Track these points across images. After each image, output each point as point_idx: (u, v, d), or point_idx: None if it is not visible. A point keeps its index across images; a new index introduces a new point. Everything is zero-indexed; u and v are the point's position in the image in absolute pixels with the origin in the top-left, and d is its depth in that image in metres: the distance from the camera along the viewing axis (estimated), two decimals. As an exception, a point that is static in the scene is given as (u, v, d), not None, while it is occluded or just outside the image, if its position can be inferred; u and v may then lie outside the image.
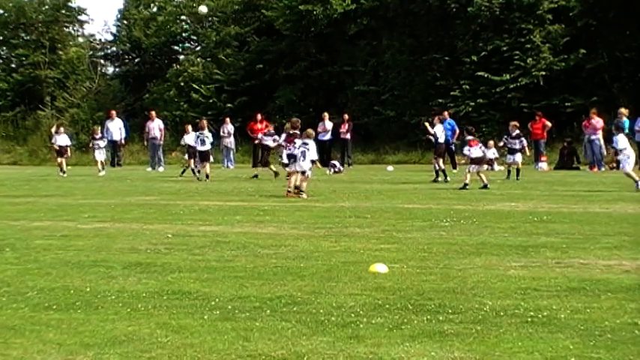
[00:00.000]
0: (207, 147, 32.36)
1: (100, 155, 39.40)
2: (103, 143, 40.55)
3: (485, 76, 46.98)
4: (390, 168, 39.48)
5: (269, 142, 32.76)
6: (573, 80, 45.97)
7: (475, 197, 22.13)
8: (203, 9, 22.43)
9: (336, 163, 38.67)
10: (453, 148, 37.36)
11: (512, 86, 46.47)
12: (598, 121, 38.43)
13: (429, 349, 6.68)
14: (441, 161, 29.62)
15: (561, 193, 23.52)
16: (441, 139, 30.32)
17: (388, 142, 48.66)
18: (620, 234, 13.90)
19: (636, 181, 23.75)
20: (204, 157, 32.47)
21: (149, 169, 43.11)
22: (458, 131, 37.17)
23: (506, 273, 10.15)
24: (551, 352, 6.56)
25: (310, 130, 23.92)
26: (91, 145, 41.90)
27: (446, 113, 36.87)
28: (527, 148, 31.84)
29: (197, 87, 56.13)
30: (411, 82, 50.18)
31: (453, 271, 10.34)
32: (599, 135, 38.20)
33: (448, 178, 28.75)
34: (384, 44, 51.75)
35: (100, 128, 43.60)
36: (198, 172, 32.88)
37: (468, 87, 47.50)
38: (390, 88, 50.97)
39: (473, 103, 47.31)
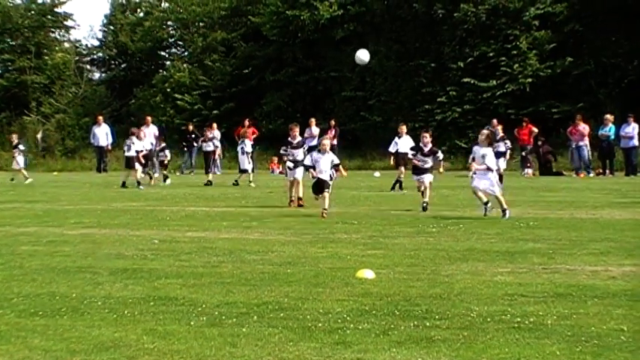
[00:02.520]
0: (132, 153, 31.87)
1: (21, 162, 38.43)
2: (22, 147, 39.62)
3: (472, 82, 47.08)
4: (377, 174, 39.50)
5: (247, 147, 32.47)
6: (560, 86, 46.12)
7: (462, 203, 22.14)
8: (363, 57, 21.54)
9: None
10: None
11: (498, 92, 46.57)
12: (584, 127, 38.55)
13: (415, 355, 6.68)
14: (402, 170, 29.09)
15: (548, 199, 23.57)
16: (402, 150, 29.93)
17: (375, 148, 48.64)
18: (607, 240, 13.94)
19: None
20: (128, 163, 32.13)
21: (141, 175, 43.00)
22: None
23: (493, 279, 10.16)
24: (538, 357, 6.56)
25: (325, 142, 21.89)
26: (13, 153, 39.56)
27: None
28: (508, 153, 30.41)
29: (181, 95, 56.01)
30: (397, 88, 50.23)
31: (440, 276, 10.34)
32: (586, 141, 38.33)
33: (404, 191, 27.44)
34: (370, 50, 51.72)
35: (17, 135, 42.72)
36: (165, 178, 33.32)
37: (454, 93, 47.59)
38: (376, 93, 51.03)
39: (459, 110, 47.41)
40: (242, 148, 32.18)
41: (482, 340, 7.11)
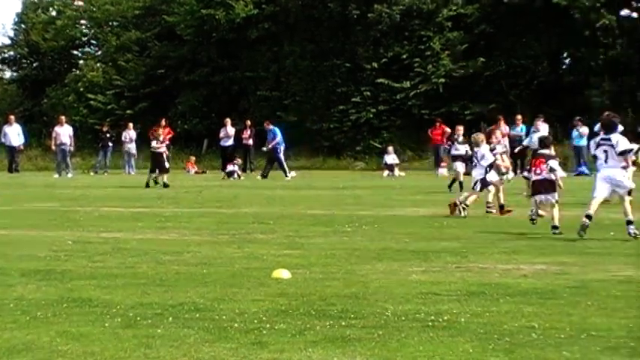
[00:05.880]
0: None
1: None
2: None
3: (386, 82, 47.44)
4: (292, 174, 39.52)
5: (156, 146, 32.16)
6: (472, 87, 46.71)
7: (377, 203, 22.30)
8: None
9: (236, 168, 38.62)
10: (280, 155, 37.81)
11: (412, 93, 47.01)
12: (505, 128, 39.08)
13: (331, 355, 6.71)
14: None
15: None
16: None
17: (290, 148, 48.67)
18: (518, 239, 14.17)
19: None
20: None
21: (56, 175, 42.37)
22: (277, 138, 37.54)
23: (407, 278, 10.25)
24: (452, 355, 6.65)
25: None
26: None
27: (266, 123, 37.54)
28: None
29: (94, 95, 55.41)
30: (312, 88, 50.37)
31: (355, 276, 10.40)
32: (506, 141, 38.84)
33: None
34: (285, 50, 51.88)
35: None
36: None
37: (369, 93, 47.90)
38: (292, 93, 51.11)
39: (374, 110, 47.75)
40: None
41: (397, 338, 7.17)
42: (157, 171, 31.30)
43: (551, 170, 15.97)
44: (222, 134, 43.31)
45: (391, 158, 40.90)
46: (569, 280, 10.01)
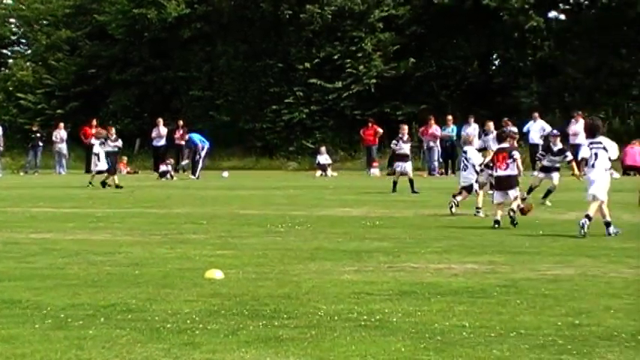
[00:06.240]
0: None
1: None
2: None
3: (319, 83, 47.55)
4: (225, 174, 39.45)
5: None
6: (403, 88, 47.04)
7: (310, 203, 22.35)
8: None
9: (169, 169, 38.44)
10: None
11: (344, 94, 47.17)
12: (436, 129, 39.43)
13: (264, 355, 6.73)
14: None
15: (393, 198, 23.99)
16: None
17: (223, 148, 48.61)
18: (449, 238, 14.30)
19: None
20: None
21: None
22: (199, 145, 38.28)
23: (340, 278, 10.30)
24: (384, 354, 6.69)
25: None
26: None
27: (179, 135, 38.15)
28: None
29: (24, 94, 54.72)
30: (245, 88, 50.29)
31: (288, 276, 10.43)
32: (438, 142, 39.21)
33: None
34: (218, 50, 51.74)
35: None
36: None
37: (301, 94, 47.97)
38: (224, 93, 50.98)
39: (307, 110, 47.83)
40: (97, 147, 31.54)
41: (330, 338, 7.20)
42: (106, 172, 30.65)
43: (511, 157, 16.48)
44: (154, 134, 43.06)
45: (324, 158, 41.01)
46: (500, 279, 10.14)
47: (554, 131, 24.88)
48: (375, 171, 39.78)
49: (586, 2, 48.13)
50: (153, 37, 52.29)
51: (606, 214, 14.64)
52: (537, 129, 36.35)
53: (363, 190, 27.88)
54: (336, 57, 47.89)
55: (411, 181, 25.67)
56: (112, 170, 30.71)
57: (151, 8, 51.17)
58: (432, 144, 38.94)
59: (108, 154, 31.24)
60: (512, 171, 16.72)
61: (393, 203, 22.12)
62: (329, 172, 40.11)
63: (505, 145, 17.43)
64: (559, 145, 22.05)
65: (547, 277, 10.23)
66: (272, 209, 20.46)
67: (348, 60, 47.55)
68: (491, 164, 17.62)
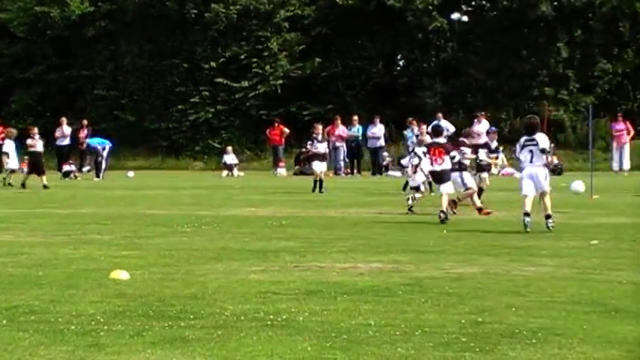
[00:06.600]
0: None
1: None
2: None
3: (225, 82, 47.47)
4: (130, 174, 39.12)
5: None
6: (310, 88, 47.20)
7: (217, 203, 22.29)
8: (579, 187, 21.32)
9: (73, 168, 38.00)
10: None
11: (251, 94, 47.15)
12: (343, 129, 39.63)
13: (170, 356, 6.70)
14: None
15: (299, 198, 24.06)
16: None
17: (129, 148, 48.21)
18: (355, 238, 14.40)
19: None
20: None
21: None
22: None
23: (246, 277, 10.30)
24: (290, 354, 6.71)
25: None
26: None
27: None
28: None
29: None
30: (150, 88, 49.95)
31: (194, 276, 10.39)
32: (344, 142, 39.44)
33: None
34: (122, 48, 51.27)
35: None
36: None
37: (207, 93, 47.82)
38: (129, 92, 50.56)
39: (213, 110, 47.73)
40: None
41: (236, 338, 7.20)
42: (36, 173, 29.87)
43: (452, 158, 17.06)
44: (57, 134, 42.47)
45: (230, 158, 40.96)
46: (404, 277, 10.24)
47: (493, 128, 25.41)
48: (281, 171, 39.86)
49: (487, 4, 48.88)
50: (56, 35, 51.59)
51: (548, 207, 15.18)
52: None
53: (270, 190, 27.91)
54: (242, 56, 47.86)
55: (320, 181, 25.79)
56: (40, 171, 30.05)
57: (54, 6, 50.51)
58: (337, 144, 39.13)
59: (33, 154, 30.74)
60: (447, 166, 17.54)
61: (299, 203, 22.18)
62: (235, 171, 40.06)
63: (440, 140, 17.93)
64: (496, 143, 22.35)
65: (451, 276, 10.35)
66: (178, 209, 20.36)
67: (255, 59, 47.55)
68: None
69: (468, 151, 18.93)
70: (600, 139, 41.00)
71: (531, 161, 15.43)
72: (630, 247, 13.17)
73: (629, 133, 39.08)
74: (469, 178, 18.91)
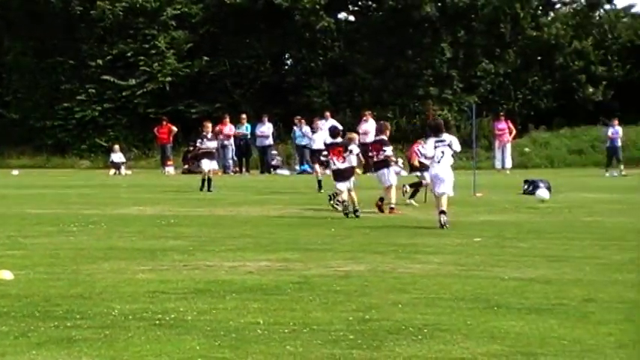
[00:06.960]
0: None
1: None
2: None
3: (112, 80, 46.91)
4: (15, 172, 38.40)
5: None
6: (198, 86, 47.00)
7: (104, 202, 22.05)
8: (544, 195, 21.08)
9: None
10: None
11: (139, 92, 46.70)
12: (231, 128, 39.56)
13: (56, 356, 6.64)
14: None
15: (188, 197, 23.97)
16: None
17: (13, 147, 47.31)
18: (244, 236, 14.43)
19: None
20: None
21: None
22: None
23: (134, 277, 10.25)
24: (179, 353, 6.71)
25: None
26: None
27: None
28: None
29: None
30: (35, 85, 49.02)
31: (81, 276, 10.29)
32: (232, 140, 39.39)
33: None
34: (5, 46, 50.22)
35: None
36: None
37: (94, 91, 47.19)
38: (13, 90, 49.53)
39: (99, 108, 47.12)
40: None
41: (124, 338, 7.17)
42: None
43: (350, 152, 18.00)
44: None
45: (117, 157, 40.55)
46: (293, 275, 10.31)
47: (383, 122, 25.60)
48: (169, 169, 39.62)
49: (373, 5, 49.30)
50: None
51: (444, 205, 15.56)
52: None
53: (158, 188, 27.72)
54: (129, 54, 47.35)
55: (209, 180, 25.71)
56: None
57: None
58: (226, 142, 39.05)
59: None
60: (349, 164, 18.04)
61: (188, 202, 22.10)
62: (123, 170, 39.67)
63: (338, 140, 18.30)
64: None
65: (338, 274, 10.46)
66: (64, 208, 20.09)
67: (142, 57, 47.10)
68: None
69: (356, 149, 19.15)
70: (483, 138, 41.73)
71: (439, 162, 15.79)
72: (512, 244, 13.49)
73: (510, 133, 39.87)
74: (393, 176, 19.26)
